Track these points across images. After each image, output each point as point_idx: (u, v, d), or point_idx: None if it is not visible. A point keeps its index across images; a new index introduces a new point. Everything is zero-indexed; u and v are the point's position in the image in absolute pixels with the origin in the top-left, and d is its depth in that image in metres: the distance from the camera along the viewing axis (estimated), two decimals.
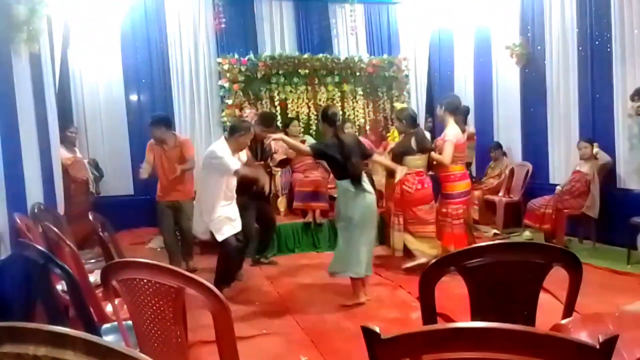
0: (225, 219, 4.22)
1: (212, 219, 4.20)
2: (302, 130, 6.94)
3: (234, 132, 4.31)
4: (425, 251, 4.71)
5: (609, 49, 5.33)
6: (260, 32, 7.57)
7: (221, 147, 4.23)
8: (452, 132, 4.68)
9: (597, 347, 0.94)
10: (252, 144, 4.85)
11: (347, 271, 4.03)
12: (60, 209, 4.59)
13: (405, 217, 4.75)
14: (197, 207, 4.48)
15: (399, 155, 4.81)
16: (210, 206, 4.20)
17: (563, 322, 1.78)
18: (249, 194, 4.66)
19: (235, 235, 4.29)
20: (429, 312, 1.73)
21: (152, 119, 5.10)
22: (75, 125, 6.43)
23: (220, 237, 4.17)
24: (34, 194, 3.79)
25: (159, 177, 4.99)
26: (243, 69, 6.90)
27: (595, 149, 5.32)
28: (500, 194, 6.61)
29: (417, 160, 4.72)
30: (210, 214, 4.19)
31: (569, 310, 1.82)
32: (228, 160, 4.12)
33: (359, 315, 3.77)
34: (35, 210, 3.53)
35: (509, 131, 7.02)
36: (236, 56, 6.93)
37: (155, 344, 1.59)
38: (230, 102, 6.86)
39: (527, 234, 5.96)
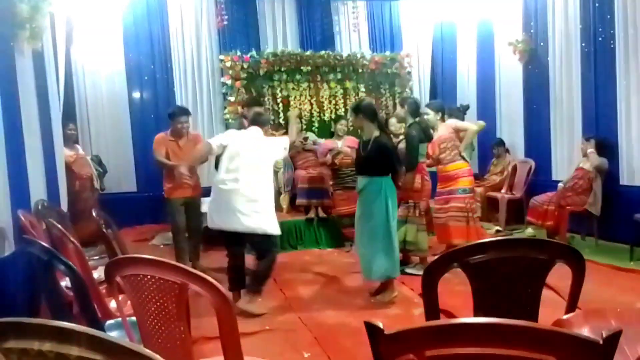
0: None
1: (273, 214, 3.92)
2: (305, 127, 6.96)
3: (265, 123, 4.17)
4: (420, 246, 4.70)
5: (612, 45, 5.31)
6: (262, 29, 7.58)
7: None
8: (442, 131, 4.89)
9: (600, 342, 0.94)
10: None
11: (397, 271, 4.12)
12: (64, 205, 4.60)
13: (419, 208, 4.72)
14: (254, 204, 3.79)
15: (417, 145, 4.56)
16: (270, 200, 3.94)
17: (565, 317, 1.78)
18: None
19: None
20: (432, 309, 1.73)
21: (176, 109, 4.99)
22: (77, 122, 6.46)
23: (278, 232, 3.94)
24: (38, 191, 3.80)
25: (166, 173, 4.78)
26: (245, 66, 6.90)
27: (590, 149, 5.31)
28: (503, 190, 6.60)
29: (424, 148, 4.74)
30: (271, 208, 3.92)
31: (571, 306, 1.82)
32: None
33: (362, 312, 3.77)
34: (39, 207, 3.54)
35: (511, 128, 7.01)
36: (238, 53, 6.93)
37: (159, 340, 1.59)
38: (232, 99, 6.87)
39: (529, 230, 5.95)
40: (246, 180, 3.78)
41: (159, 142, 4.80)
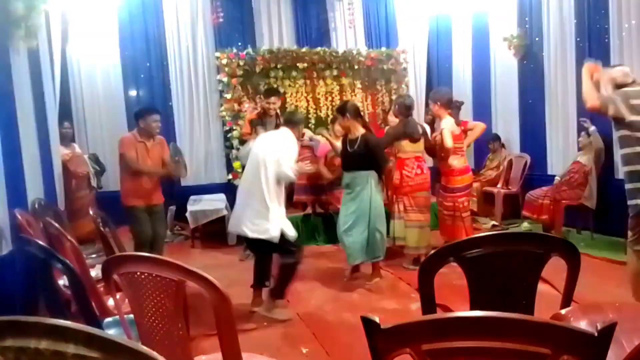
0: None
1: (283, 217, 3.76)
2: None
3: (299, 122, 4.11)
4: (410, 243, 4.72)
5: (606, 40, 5.32)
6: (258, 25, 7.55)
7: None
8: (448, 122, 4.77)
9: (596, 335, 0.95)
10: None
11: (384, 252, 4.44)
12: (61, 204, 4.59)
13: (403, 203, 4.75)
14: (258, 209, 3.65)
15: (390, 139, 4.85)
16: (278, 203, 3.74)
17: (562, 311, 1.79)
18: None
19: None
20: (429, 303, 1.74)
21: (147, 107, 4.77)
22: (74, 121, 6.44)
23: (294, 235, 3.78)
24: (35, 189, 3.79)
25: (132, 179, 4.41)
26: (241, 63, 6.87)
27: (592, 127, 5.33)
28: (499, 185, 6.62)
29: (411, 145, 4.76)
30: (280, 210, 3.75)
31: (567, 300, 1.83)
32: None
33: (359, 307, 3.79)
34: (36, 206, 3.53)
35: (507, 123, 7.02)
36: (234, 50, 6.90)
37: (157, 337, 1.60)
38: (229, 96, 6.84)
39: (525, 225, 5.97)
40: (249, 185, 3.73)
41: (129, 144, 4.42)
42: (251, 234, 3.65)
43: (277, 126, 5.04)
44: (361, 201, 4.27)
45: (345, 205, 4.43)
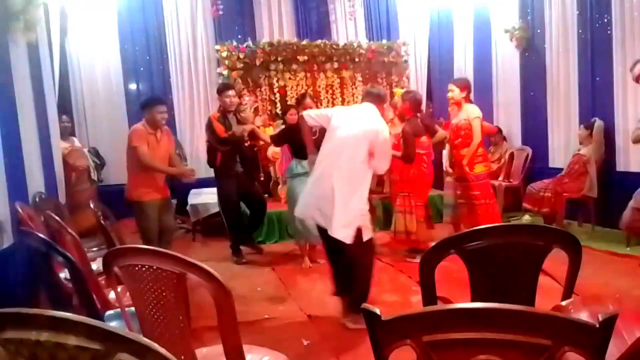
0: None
1: (362, 212, 3.26)
2: None
3: (384, 99, 3.62)
4: (421, 236, 4.71)
5: (609, 32, 5.29)
6: (258, 18, 7.54)
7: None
8: (476, 109, 4.66)
9: (597, 326, 0.95)
10: None
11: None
12: (62, 198, 4.59)
13: (415, 198, 4.73)
14: (340, 201, 3.14)
15: (412, 137, 4.62)
16: (362, 195, 3.27)
17: (563, 303, 1.79)
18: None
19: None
20: (429, 295, 1.74)
21: (154, 97, 4.63)
22: (74, 115, 6.45)
23: (369, 235, 3.31)
24: (35, 183, 3.79)
25: (142, 172, 4.21)
26: (241, 56, 6.86)
27: (595, 120, 5.38)
28: (500, 178, 6.61)
29: (428, 140, 4.76)
30: (361, 204, 3.27)
31: (568, 292, 1.83)
32: None
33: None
34: (37, 199, 3.53)
35: (508, 115, 7.00)
36: (234, 43, 6.88)
37: (158, 330, 1.60)
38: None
39: (526, 217, 5.97)
40: (335, 168, 3.20)
41: (141, 136, 4.17)
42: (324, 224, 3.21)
43: (238, 121, 5.02)
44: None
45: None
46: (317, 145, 3.46)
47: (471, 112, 4.66)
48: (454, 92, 4.73)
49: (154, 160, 4.23)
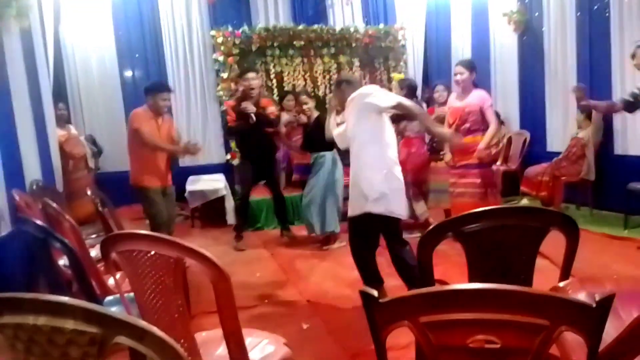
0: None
1: (389, 191, 3.11)
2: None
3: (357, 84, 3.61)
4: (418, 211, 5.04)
5: (607, 14, 5.26)
6: (253, 3, 7.47)
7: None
8: (488, 96, 4.54)
9: (594, 306, 0.95)
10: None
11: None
12: (59, 185, 4.59)
13: (421, 182, 5.05)
14: (359, 183, 3.15)
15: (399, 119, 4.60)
16: (385, 173, 3.14)
17: (561, 284, 1.79)
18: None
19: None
20: (427, 278, 1.75)
21: (158, 83, 4.47)
22: (69, 102, 6.41)
23: (404, 214, 3.24)
24: (32, 171, 3.78)
25: (146, 158, 4.13)
26: (237, 41, 6.78)
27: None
28: (498, 162, 6.60)
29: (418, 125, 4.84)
30: (390, 181, 3.14)
31: (565, 274, 1.84)
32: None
33: (359, 283, 3.80)
34: (34, 187, 3.53)
35: (506, 100, 6.97)
36: (230, 29, 6.81)
37: (158, 315, 1.60)
38: (225, 75, 6.77)
39: (524, 201, 5.98)
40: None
41: (144, 118, 4.09)
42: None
43: (257, 104, 4.91)
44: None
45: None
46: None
47: (486, 98, 4.45)
48: (464, 75, 4.40)
49: (158, 140, 4.11)
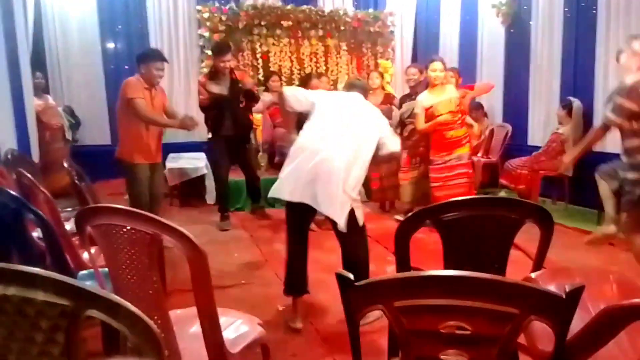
0: None
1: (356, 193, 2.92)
2: (285, 85, 6.83)
3: (367, 93, 3.41)
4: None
5: (594, 11, 5.30)
6: None
7: None
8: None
9: (563, 296, 0.97)
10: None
11: None
12: (35, 156, 4.49)
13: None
14: (341, 175, 2.80)
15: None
16: (363, 172, 2.93)
17: (533, 275, 1.83)
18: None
19: None
20: (403, 265, 1.76)
21: (152, 51, 4.23)
22: (48, 71, 6.26)
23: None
24: (7, 140, 3.70)
25: (137, 132, 3.90)
26: (224, 18, 6.68)
27: (575, 100, 5.44)
28: (479, 154, 6.67)
29: None
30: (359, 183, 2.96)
31: (538, 265, 1.87)
32: None
33: (336, 267, 3.82)
34: (9, 157, 3.45)
35: (490, 92, 7.01)
36: (216, 4, 6.69)
37: (131, 290, 1.59)
38: (210, 52, 6.68)
39: (502, 194, 6.06)
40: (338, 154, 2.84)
41: (137, 88, 3.83)
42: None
43: (232, 81, 4.81)
44: None
45: None
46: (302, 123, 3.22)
47: (458, 90, 4.68)
48: (442, 72, 4.60)
49: (153, 113, 3.90)
